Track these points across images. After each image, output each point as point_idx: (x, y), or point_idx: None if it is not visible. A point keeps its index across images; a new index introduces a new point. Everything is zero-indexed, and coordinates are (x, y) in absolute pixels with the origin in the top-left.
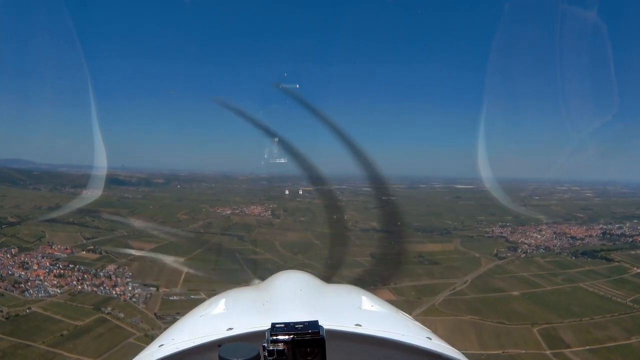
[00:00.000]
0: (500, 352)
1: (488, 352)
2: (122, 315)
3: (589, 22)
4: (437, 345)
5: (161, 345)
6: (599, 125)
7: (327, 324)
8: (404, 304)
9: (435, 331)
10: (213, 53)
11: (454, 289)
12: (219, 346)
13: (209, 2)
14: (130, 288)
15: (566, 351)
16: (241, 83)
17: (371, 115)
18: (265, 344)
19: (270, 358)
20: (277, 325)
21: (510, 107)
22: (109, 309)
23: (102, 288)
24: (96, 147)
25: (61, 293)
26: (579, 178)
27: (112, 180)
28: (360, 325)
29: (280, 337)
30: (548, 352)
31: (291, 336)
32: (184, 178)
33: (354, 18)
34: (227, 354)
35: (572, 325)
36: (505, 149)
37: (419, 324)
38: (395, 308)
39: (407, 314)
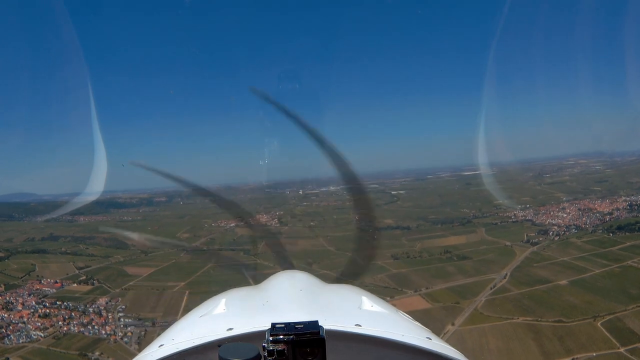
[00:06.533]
0: (569, 359)
1: None
2: None
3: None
4: (437, 345)
5: (161, 345)
6: (599, 98)
7: (327, 324)
8: (442, 311)
9: (487, 342)
10: (214, 61)
11: (494, 287)
12: (219, 346)
13: (209, 7)
14: (122, 325)
15: None
16: (241, 85)
17: (369, 111)
18: (265, 344)
19: (271, 358)
20: (277, 326)
21: (505, 89)
22: (97, 353)
23: (90, 328)
24: (97, 170)
25: (45, 337)
26: (582, 151)
27: (112, 204)
28: (360, 325)
29: (280, 337)
30: (622, 349)
31: (291, 336)
32: (186, 194)
33: (357, 11)
34: (227, 354)
35: (637, 311)
36: (504, 131)
37: (419, 324)
38: (395, 308)
39: (407, 314)
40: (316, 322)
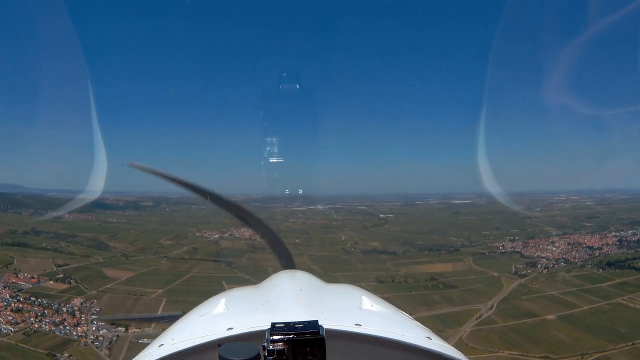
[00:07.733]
0: None
1: None
2: None
3: (587, 33)
4: (437, 345)
5: (161, 345)
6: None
7: (327, 323)
8: None
9: None
10: (214, 62)
11: (480, 317)
12: (219, 346)
13: (210, 8)
14: (94, 328)
15: None
16: (240, 86)
17: (361, 131)
18: (265, 344)
19: (271, 358)
20: (277, 325)
21: (501, 120)
22: (66, 355)
23: (61, 327)
24: (97, 170)
25: (15, 332)
26: (573, 187)
27: (98, 204)
28: (360, 325)
29: (280, 337)
30: None
31: (291, 336)
32: (173, 200)
33: (351, 26)
34: (227, 354)
35: (626, 351)
36: (497, 162)
37: (419, 324)
38: (395, 308)
39: (407, 314)
40: (316, 321)
